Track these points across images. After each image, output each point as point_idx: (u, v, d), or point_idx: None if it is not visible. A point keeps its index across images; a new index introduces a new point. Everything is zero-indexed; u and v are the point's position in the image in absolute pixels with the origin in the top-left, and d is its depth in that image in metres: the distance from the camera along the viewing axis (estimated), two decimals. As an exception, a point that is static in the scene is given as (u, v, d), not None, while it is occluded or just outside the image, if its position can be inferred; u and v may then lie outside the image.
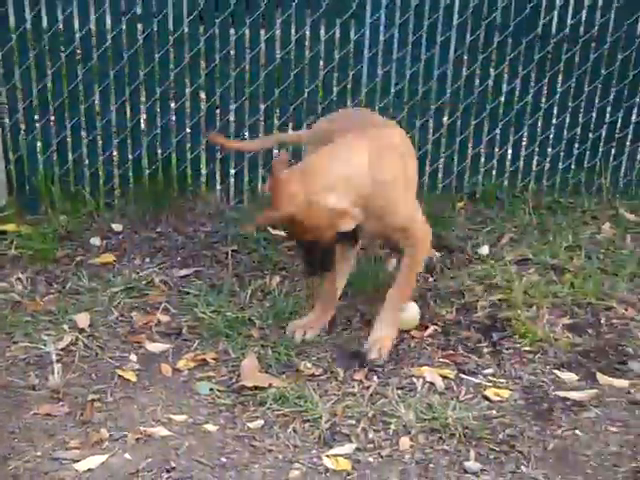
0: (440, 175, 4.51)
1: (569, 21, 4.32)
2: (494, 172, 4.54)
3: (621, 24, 4.31)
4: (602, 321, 3.43)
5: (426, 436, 2.75)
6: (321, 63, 4.30)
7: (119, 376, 3.04)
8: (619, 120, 4.50)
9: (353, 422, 2.81)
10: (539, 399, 2.96)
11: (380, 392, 2.96)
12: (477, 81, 4.39)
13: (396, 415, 2.82)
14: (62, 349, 3.15)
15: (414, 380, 3.03)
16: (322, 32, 4.23)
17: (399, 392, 2.95)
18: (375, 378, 3.03)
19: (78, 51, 4.14)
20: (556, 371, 3.11)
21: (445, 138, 4.48)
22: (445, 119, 4.45)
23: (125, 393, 2.95)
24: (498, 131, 4.49)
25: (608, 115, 4.49)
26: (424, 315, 3.40)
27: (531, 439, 2.75)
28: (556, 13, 4.30)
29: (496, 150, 4.52)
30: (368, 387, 2.98)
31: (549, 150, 4.55)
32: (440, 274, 3.75)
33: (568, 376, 3.08)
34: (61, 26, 4.07)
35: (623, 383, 3.04)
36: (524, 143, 4.55)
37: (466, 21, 4.28)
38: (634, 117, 4.50)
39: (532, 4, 4.24)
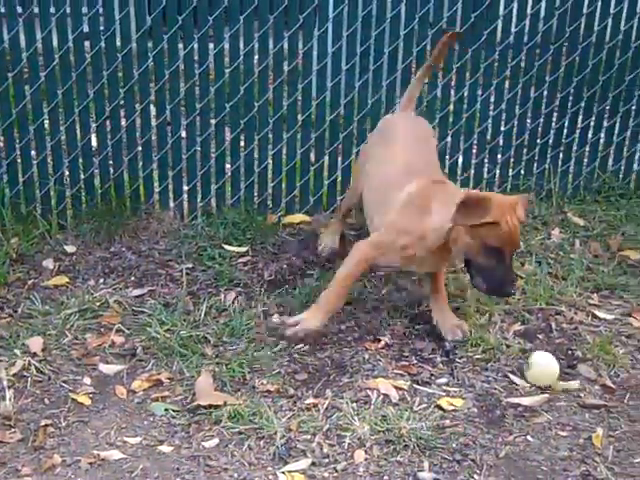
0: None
1: (513, 29, 4.38)
2: (446, 180, 4.58)
3: (564, 31, 4.39)
4: (552, 326, 3.48)
5: (380, 448, 2.77)
6: (270, 77, 4.31)
7: (73, 400, 3.02)
8: (565, 125, 4.57)
9: (308, 437, 2.82)
10: (492, 406, 3.00)
11: (335, 406, 2.97)
12: (425, 89, 4.43)
13: (351, 428, 2.84)
14: (14, 375, 3.12)
15: (369, 392, 3.04)
16: (270, 45, 4.24)
17: (354, 405, 2.97)
18: (329, 392, 3.05)
19: (25, 70, 4.10)
20: (508, 378, 3.15)
21: (396, 147, 4.50)
22: (396, 128, 4.48)
23: (79, 417, 2.93)
24: (448, 139, 4.52)
25: (555, 121, 4.56)
26: (377, 327, 3.44)
27: (483, 447, 2.79)
28: (500, 21, 4.36)
29: (447, 158, 4.56)
30: (323, 401, 2.99)
31: (499, 157, 4.60)
32: (393, 285, 3.78)
33: (520, 382, 3.13)
34: (7, 46, 4.04)
35: (573, 387, 3.09)
36: (474, 151, 4.60)
37: (413, 31, 4.32)
38: (580, 122, 4.58)
39: (476, 13, 4.29)
